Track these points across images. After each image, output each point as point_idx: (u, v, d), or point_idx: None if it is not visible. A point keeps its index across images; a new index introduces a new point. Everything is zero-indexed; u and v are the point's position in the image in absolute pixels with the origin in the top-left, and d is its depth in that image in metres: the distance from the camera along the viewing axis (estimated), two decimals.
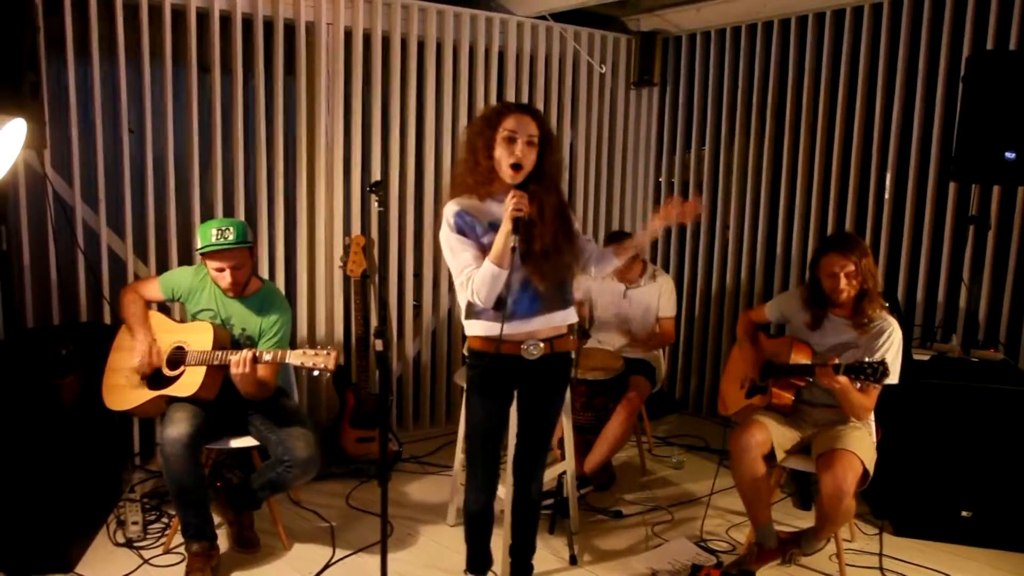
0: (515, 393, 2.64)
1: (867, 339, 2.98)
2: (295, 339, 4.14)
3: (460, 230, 2.44)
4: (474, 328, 2.51)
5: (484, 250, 2.42)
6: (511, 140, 2.38)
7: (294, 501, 3.62)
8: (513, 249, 2.34)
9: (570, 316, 2.57)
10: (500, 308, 2.42)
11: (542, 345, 2.50)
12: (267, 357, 2.85)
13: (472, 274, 2.40)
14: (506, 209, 2.33)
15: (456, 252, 2.45)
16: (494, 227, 2.43)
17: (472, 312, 2.49)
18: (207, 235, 2.97)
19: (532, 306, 2.48)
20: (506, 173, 2.41)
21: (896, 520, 3.47)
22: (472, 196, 2.47)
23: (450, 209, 2.46)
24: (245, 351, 2.85)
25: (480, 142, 2.42)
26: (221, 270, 2.99)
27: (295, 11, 4.05)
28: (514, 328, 2.46)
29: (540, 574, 2.97)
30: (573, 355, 3.34)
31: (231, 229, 2.97)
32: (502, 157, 2.39)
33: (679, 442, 4.61)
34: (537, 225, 2.41)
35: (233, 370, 2.84)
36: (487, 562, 2.79)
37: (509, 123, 2.39)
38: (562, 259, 2.50)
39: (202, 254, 3.00)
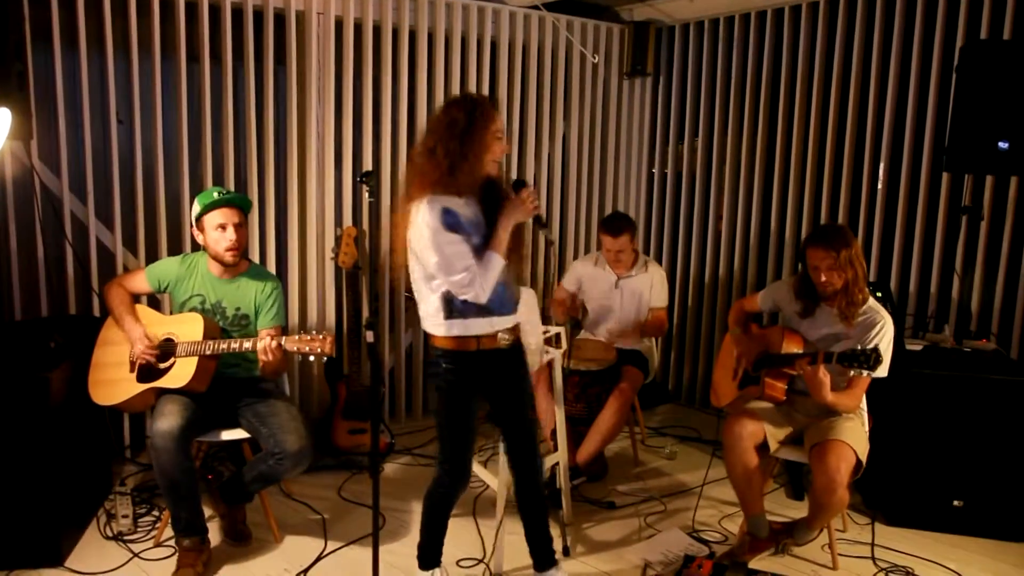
0: (486, 389, 2.65)
1: (858, 331, 2.98)
2: (287, 330, 4.12)
3: (451, 228, 2.37)
4: (454, 329, 2.47)
5: (473, 249, 2.40)
6: (499, 139, 2.42)
7: (286, 493, 3.61)
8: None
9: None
10: (488, 306, 2.46)
11: (509, 335, 2.57)
12: (273, 344, 2.85)
13: (476, 272, 2.36)
14: (523, 203, 2.44)
15: (454, 251, 2.36)
16: (475, 225, 2.43)
17: (454, 312, 2.45)
18: (208, 195, 3.04)
19: (510, 301, 2.55)
20: (492, 169, 2.45)
21: (888, 510, 3.48)
22: (448, 193, 2.40)
23: (434, 206, 2.36)
24: (264, 340, 2.85)
25: (475, 138, 2.38)
26: (223, 228, 3.00)
27: (285, 0, 4.02)
28: (497, 325, 2.51)
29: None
30: (564, 346, 3.37)
31: (233, 193, 3.10)
32: (492, 155, 2.41)
33: (672, 433, 4.61)
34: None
35: (262, 357, 2.86)
36: (440, 555, 2.79)
37: (498, 122, 2.43)
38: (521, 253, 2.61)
39: (204, 213, 3.01)
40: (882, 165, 4.24)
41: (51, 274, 3.68)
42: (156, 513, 3.36)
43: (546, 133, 4.97)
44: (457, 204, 2.40)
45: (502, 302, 2.51)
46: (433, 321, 2.49)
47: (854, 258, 2.93)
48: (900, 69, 4.14)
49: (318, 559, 3.08)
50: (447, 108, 2.46)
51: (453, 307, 2.45)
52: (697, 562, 2.94)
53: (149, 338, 2.99)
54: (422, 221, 2.36)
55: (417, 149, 2.50)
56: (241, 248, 3.07)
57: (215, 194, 3.04)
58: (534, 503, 2.77)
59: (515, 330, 2.61)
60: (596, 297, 4.16)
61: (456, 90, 4.57)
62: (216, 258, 3.06)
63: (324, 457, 3.89)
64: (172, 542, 3.04)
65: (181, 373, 2.92)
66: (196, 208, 3.05)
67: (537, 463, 2.74)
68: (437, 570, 2.77)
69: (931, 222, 4.10)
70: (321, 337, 2.80)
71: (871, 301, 3.03)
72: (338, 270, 4.05)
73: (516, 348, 2.63)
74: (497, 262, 2.40)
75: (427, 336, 2.57)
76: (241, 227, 3.05)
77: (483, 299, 2.41)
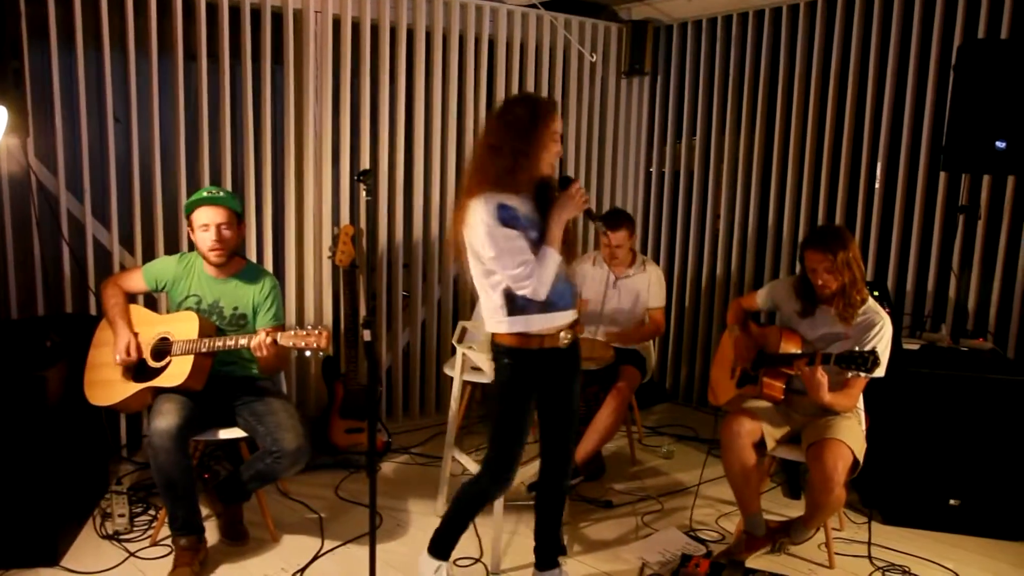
0: (541, 387, 2.64)
1: (857, 331, 2.98)
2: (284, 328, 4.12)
3: (507, 223, 2.38)
4: (516, 325, 2.47)
5: (531, 244, 2.40)
6: (555, 140, 2.45)
7: (282, 492, 3.60)
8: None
9: None
10: (549, 299, 2.46)
11: (570, 332, 2.57)
12: (268, 340, 2.82)
13: (534, 266, 2.37)
14: (572, 198, 2.44)
15: (511, 246, 2.37)
16: (531, 221, 2.44)
17: (516, 308, 2.45)
18: (199, 194, 3.03)
19: (570, 296, 2.55)
20: (547, 169, 2.46)
21: (885, 508, 3.48)
22: (505, 192, 2.41)
23: (490, 201, 2.37)
24: (259, 336, 2.81)
25: (535, 137, 2.39)
26: (207, 227, 2.97)
27: None
28: (559, 320, 2.51)
29: (530, 564, 2.96)
30: None
31: (221, 192, 3.05)
32: (548, 154, 2.43)
33: (669, 432, 4.61)
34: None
35: (256, 353, 2.84)
36: (452, 550, 2.79)
37: (557, 124, 2.44)
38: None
39: (190, 212, 2.99)
40: (879, 164, 4.24)
41: (47, 273, 3.66)
42: (152, 512, 3.35)
43: None
44: (513, 200, 2.41)
45: (562, 296, 2.50)
46: (495, 318, 2.50)
47: (851, 260, 2.92)
48: (898, 68, 4.14)
49: (315, 558, 3.08)
50: (508, 106, 2.48)
51: (515, 304, 2.45)
52: (694, 561, 2.94)
53: (132, 346, 2.96)
54: (478, 218, 2.38)
55: (477, 148, 2.52)
56: (227, 249, 3.02)
57: (204, 193, 3.02)
58: (555, 502, 2.79)
59: (575, 328, 2.60)
60: (594, 297, 4.16)
61: (454, 89, 4.57)
62: (203, 257, 3.05)
63: (321, 456, 3.88)
64: (168, 541, 3.03)
65: (177, 372, 2.91)
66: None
67: (570, 465, 2.75)
68: (445, 564, 2.76)
69: (928, 221, 4.10)
70: (317, 332, 2.77)
71: (870, 302, 3.02)
72: (335, 269, 4.05)
73: (575, 347, 2.63)
74: (553, 257, 2.41)
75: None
76: (228, 227, 3.00)
77: (542, 295, 2.41)
